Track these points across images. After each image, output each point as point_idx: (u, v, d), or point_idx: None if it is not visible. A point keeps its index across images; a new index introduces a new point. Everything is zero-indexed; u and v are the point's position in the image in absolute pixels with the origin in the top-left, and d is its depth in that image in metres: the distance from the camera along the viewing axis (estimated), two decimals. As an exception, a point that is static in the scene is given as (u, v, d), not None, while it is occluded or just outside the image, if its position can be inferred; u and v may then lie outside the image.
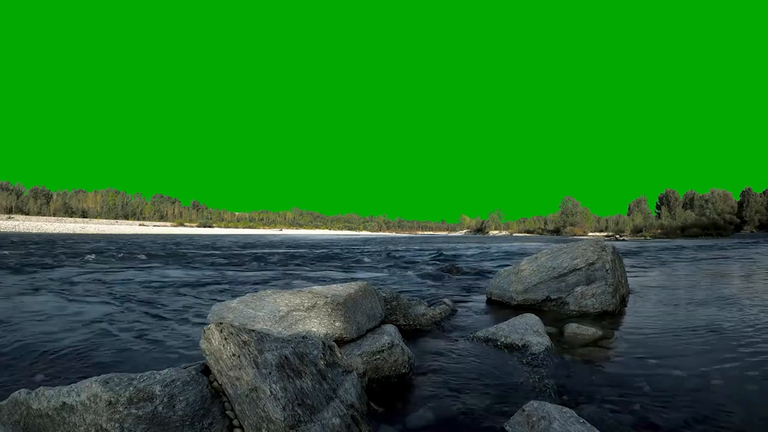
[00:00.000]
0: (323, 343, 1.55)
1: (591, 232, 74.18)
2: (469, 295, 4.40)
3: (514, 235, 76.57)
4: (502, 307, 3.69)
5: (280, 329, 1.98)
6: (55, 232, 32.38)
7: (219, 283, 5.01)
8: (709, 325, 2.94)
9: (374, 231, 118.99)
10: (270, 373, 1.22)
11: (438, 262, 8.62)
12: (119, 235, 30.04)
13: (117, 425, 1.08)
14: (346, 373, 1.55)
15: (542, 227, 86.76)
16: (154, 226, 72.95)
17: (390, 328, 2.21)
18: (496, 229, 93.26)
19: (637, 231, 65.84)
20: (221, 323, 1.30)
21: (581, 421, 1.36)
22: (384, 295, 2.80)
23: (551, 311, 3.50)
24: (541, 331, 2.50)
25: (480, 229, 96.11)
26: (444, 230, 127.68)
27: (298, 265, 7.98)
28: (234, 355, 1.23)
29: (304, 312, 2.03)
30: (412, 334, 2.72)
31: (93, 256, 8.77)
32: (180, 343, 2.48)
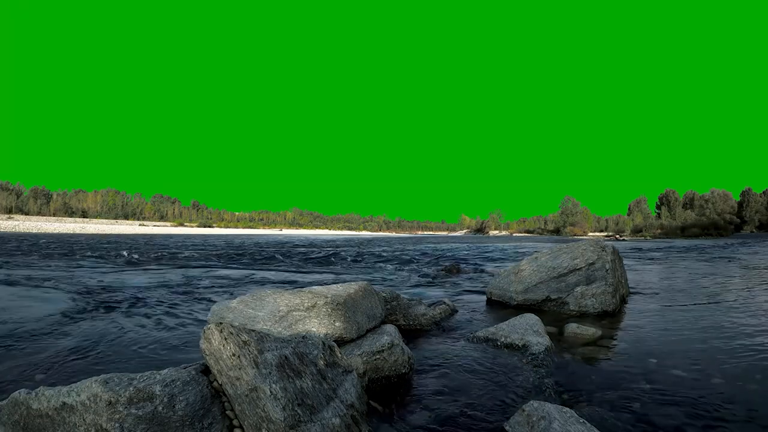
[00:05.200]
0: (323, 343, 1.55)
1: (591, 232, 74.12)
2: (469, 295, 4.40)
3: (514, 235, 76.55)
4: (502, 307, 3.69)
5: (280, 329, 1.98)
6: (55, 232, 32.38)
7: (218, 283, 5.01)
8: (709, 325, 2.94)
9: (374, 231, 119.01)
10: (270, 373, 1.22)
11: (438, 262, 8.62)
12: (119, 235, 30.05)
13: (117, 425, 1.08)
14: (346, 373, 1.55)
15: (542, 227, 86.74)
16: (154, 226, 72.92)
17: (390, 328, 2.21)
18: (496, 229, 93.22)
19: (637, 231, 65.80)
20: (221, 323, 1.30)
21: (581, 420, 1.36)
22: (384, 295, 2.80)
23: (551, 311, 3.50)
24: (541, 331, 2.50)
25: (480, 229, 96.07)
26: (444, 230, 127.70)
27: (297, 264, 7.98)
28: (234, 355, 1.23)
29: (304, 312, 2.03)
30: (412, 334, 2.72)
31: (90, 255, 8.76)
32: (180, 343, 2.48)
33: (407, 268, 7.56)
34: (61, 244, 14.48)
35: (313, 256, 10.21)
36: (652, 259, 10.27)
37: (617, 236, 54.32)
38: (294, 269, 7.14)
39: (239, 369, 1.21)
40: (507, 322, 2.65)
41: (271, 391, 1.18)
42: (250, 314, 2.09)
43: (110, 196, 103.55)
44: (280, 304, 2.08)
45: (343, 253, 11.86)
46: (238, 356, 1.23)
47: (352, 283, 2.40)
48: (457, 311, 3.42)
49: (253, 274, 6.22)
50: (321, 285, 2.49)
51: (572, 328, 2.75)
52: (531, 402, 1.47)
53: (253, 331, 1.38)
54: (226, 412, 1.25)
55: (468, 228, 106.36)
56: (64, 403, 1.14)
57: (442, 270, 6.85)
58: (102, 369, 2.03)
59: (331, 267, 7.69)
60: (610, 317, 3.27)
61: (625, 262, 4.84)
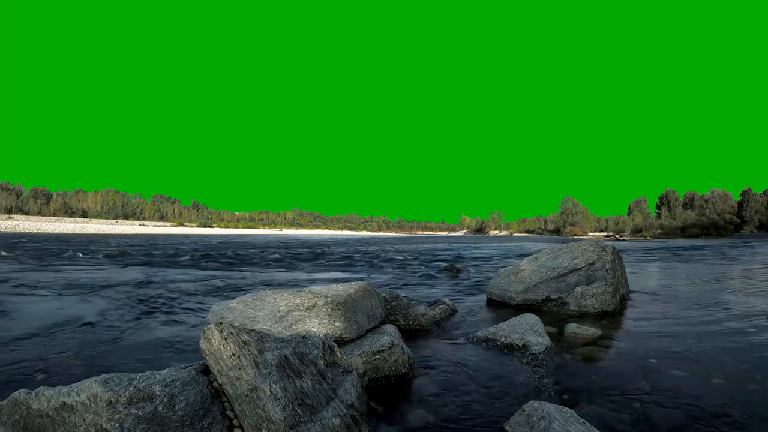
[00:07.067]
0: (323, 343, 1.55)
1: (591, 232, 74.06)
2: (469, 295, 4.40)
3: (514, 235, 76.52)
4: (502, 307, 3.69)
5: (280, 329, 1.98)
6: (55, 232, 32.37)
7: (218, 283, 5.01)
8: (709, 325, 2.94)
9: (374, 231, 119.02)
10: (270, 373, 1.22)
11: (438, 263, 8.62)
12: (119, 234, 30.03)
13: (117, 425, 1.08)
14: (346, 373, 1.55)
15: (542, 227, 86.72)
16: (154, 226, 72.87)
17: (390, 328, 2.21)
18: (496, 229, 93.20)
19: (637, 231, 65.78)
20: (221, 323, 1.30)
21: (581, 421, 1.36)
22: (384, 295, 2.80)
23: (551, 311, 3.50)
24: (541, 331, 2.50)
25: (480, 229, 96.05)
26: (444, 230, 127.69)
27: (296, 265, 7.98)
28: (234, 355, 1.23)
29: (304, 312, 2.03)
30: (412, 334, 2.72)
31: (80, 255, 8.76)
32: (180, 343, 2.48)
33: (407, 268, 7.56)
34: (58, 243, 14.48)
35: (312, 257, 10.21)
36: (652, 259, 10.27)
37: (617, 236, 54.31)
38: (293, 270, 7.14)
39: (239, 369, 1.21)
40: (507, 322, 2.65)
41: (271, 391, 1.18)
42: (250, 314, 2.09)
43: (110, 196, 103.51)
44: (280, 304, 2.08)
45: (342, 253, 11.86)
46: (238, 356, 1.23)
47: (352, 283, 2.40)
48: (457, 311, 3.42)
49: (252, 274, 6.22)
50: (321, 285, 2.49)
51: (572, 328, 2.75)
52: (531, 402, 1.47)
53: (253, 331, 1.38)
54: (226, 412, 1.25)
55: (468, 228, 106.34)
56: (64, 403, 1.14)
57: (442, 270, 6.85)
58: (102, 369, 2.03)
59: (330, 267, 7.69)
60: (610, 317, 3.27)
61: (625, 262, 4.84)
